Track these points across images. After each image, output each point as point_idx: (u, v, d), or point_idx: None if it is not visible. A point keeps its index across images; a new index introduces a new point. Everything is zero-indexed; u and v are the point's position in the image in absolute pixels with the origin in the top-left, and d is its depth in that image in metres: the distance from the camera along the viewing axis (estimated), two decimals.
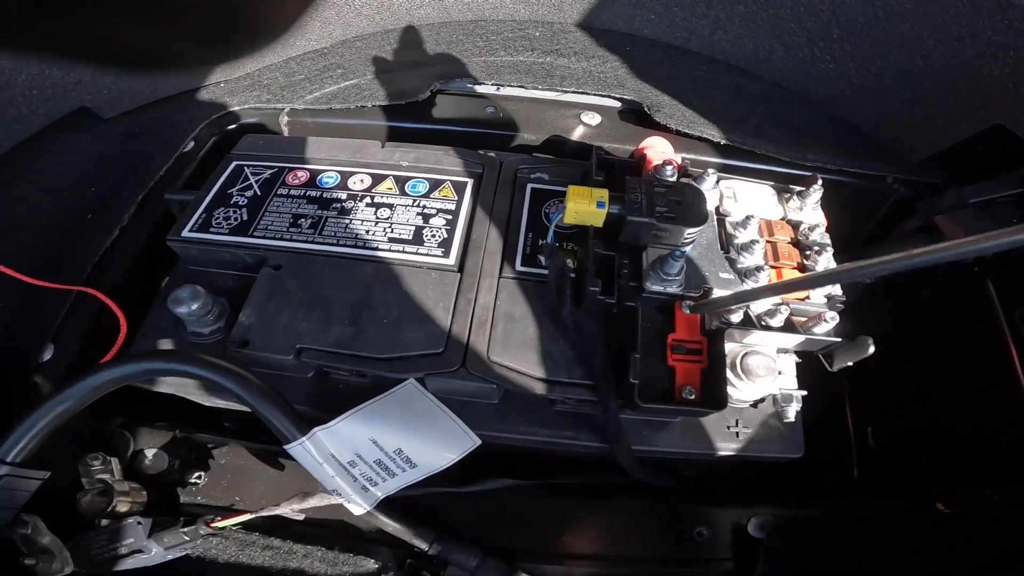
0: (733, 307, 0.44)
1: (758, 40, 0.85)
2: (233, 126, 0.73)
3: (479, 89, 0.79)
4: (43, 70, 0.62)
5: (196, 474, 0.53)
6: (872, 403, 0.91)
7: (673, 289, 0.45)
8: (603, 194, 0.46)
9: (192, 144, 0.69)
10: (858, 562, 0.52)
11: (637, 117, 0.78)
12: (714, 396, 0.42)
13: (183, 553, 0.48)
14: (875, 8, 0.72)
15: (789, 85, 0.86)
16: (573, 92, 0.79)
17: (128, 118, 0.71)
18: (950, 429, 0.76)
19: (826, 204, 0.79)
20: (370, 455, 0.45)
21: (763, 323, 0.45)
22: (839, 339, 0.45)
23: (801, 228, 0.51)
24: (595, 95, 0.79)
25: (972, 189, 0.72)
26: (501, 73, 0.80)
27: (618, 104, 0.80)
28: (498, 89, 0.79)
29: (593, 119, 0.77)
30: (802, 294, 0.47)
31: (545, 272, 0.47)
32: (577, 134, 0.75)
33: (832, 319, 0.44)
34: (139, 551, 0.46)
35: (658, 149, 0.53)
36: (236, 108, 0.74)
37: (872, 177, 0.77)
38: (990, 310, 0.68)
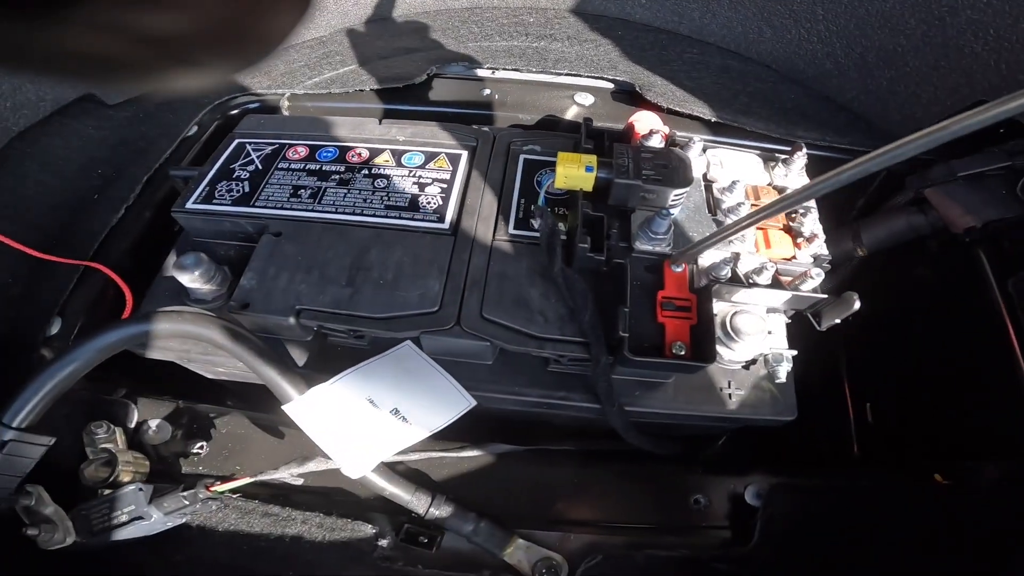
0: (721, 265, 0.45)
1: (746, 22, 0.87)
2: (235, 111, 0.75)
3: (475, 73, 0.81)
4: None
5: (198, 444, 0.54)
6: (870, 379, 0.92)
7: (662, 248, 0.47)
8: (592, 159, 0.48)
9: (195, 128, 0.71)
10: (854, 531, 0.52)
11: (629, 97, 0.80)
12: (703, 351, 0.43)
13: (183, 519, 0.49)
14: None
15: (778, 66, 0.87)
16: (567, 75, 0.81)
17: (132, 104, 0.73)
18: (947, 403, 0.77)
19: None
20: (366, 416, 0.46)
21: (751, 281, 0.46)
22: (825, 296, 0.46)
23: (787, 192, 0.52)
24: (588, 77, 0.81)
25: (960, 163, 0.73)
26: (496, 57, 0.82)
27: (611, 85, 0.82)
28: (493, 72, 0.81)
29: (586, 99, 0.79)
30: (788, 253, 0.48)
31: (537, 235, 0.49)
32: (571, 114, 0.77)
33: (818, 275, 0.46)
34: (140, 518, 0.47)
35: (645, 121, 0.55)
36: (238, 94, 0.76)
37: (861, 153, 0.78)
38: (982, 281, 0.69)
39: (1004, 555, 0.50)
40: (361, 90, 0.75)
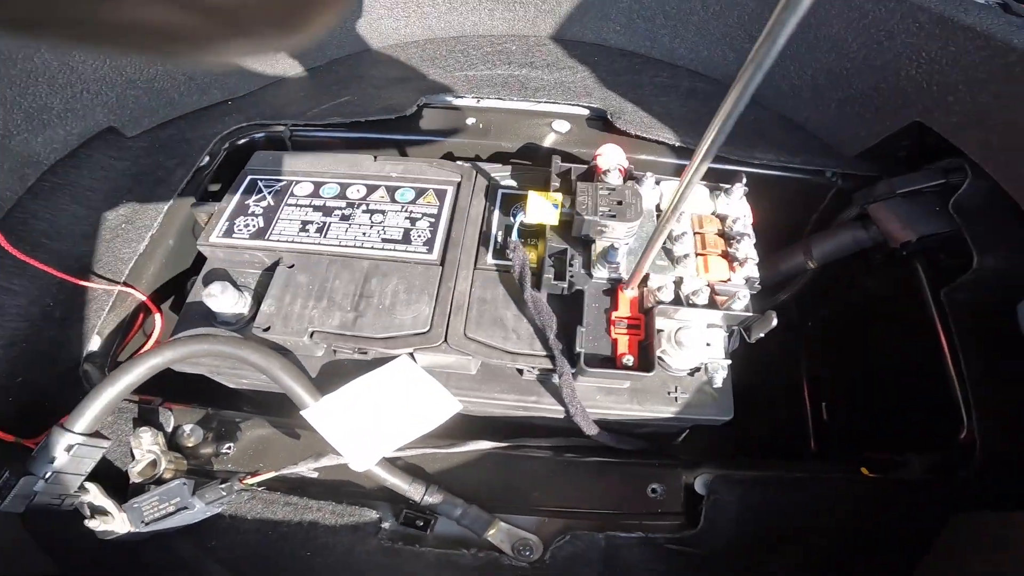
0: (665, 289, 0.54)
1: (711, 46, 0.95)
2: (242, 140, 0.84)
3: (461, 102, 0.89)
4: (75, 93, 0.72)
5: (226, 445, 0.62)
6: (826, 381, 1.02)
7: (617, 274, 0.56)
8: (557, 198, 0.57)
9: (207, 158, 0.79)
10: (788, 517, 0.59)
11: (602, 123, 0.88)
12: (647, 361, 0.52)
13: (220, 508, 0.57)
14: (807, 14, 0.82)
15: None
16: (545, 102, 0.89)
17: (148, 135, 0.81)
18: (886, 401, 0.86)
19: (775, 198, 0.89)
20: (370, 418, 0.55)
21: (690, 301, 0.55)
22: (751, 314, 0.55)
23: (727, 220, 0.61)
24: (565, 104, 0.89)
25: (899, 180, 0.82)
26: (480, 86, 0.90)
27: (586, 112, 0.90)
28: (478, 101, 0.89)
29: (563, 127, 0.87)
30: (724, 276, 0.57)
31: (510, 263, 0.58)
32: (549, 141, 0.85)
33: (744, 296, 0.55)
34: (185, 507, 0.54)
35: (608, 156, 0.63)
36: (243, 124, 0.84)
37: (813, 171, 0.87)
38: (919, 292, 0.77)
39: (924, 541, 0.57)
40: (357, 121, 0.83)
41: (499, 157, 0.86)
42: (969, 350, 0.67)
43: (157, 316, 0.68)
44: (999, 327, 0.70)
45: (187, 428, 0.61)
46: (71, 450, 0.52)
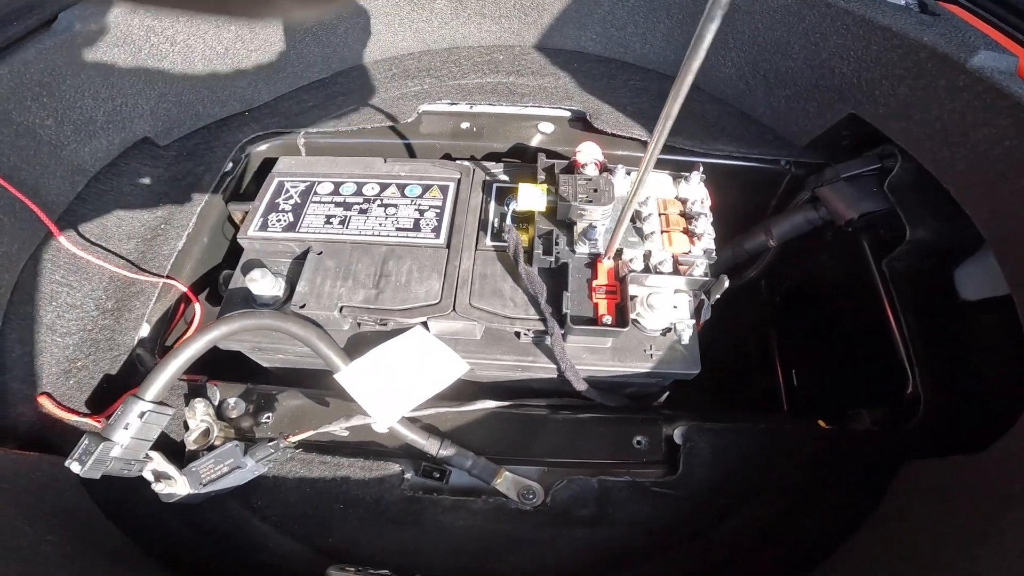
0: (636, 260, 0.66)
1: (678, 51, 1.07)
2: (261, 147, 0.94)
3: (456, 108, 1.00)
4: (116, 106, 0.82)
5: (265, 415, 0.70)
6: (794, 349, 1.14)
7: (595, 249, 0.67)
8: (544, 188, 0.68)
9: (231, 164, 0.90)
10: (755, 463, 0.68)
11: (583, 124, 1.00)
12: (623, 319, 0.64)
13: (270, 465, 0.65)
14: (755, 20, 0.92)
15: (705, 87, 1.08)
16: (532, 106, 1.00)
17: (177, 144, 0.91)
18: (845, 363, 0.97)
19: (738, 185, 1.01)
20: (391, 381, 0.65)
21: (657, 270, 0.67)
22: (708, 278, 0.67)
23: (687, 203, 0.73)
24: (549, 107, 1.01)
25: (843, 166, 0.93)
26: (472, 93, 1.01)
27: (568, 114, 1.02)
28: (471, 107, 1.00)
29: (548, 128, 0.99)
30: (685, 249, 0.69)
31: (506, 244, 0.69)
32: (535, 141, 0.97)
33: (702, 264, 0.66)
34: (238, 467, 0.62)
35: (586, 152, 0.75)
36: (261, 133, 0.94)
37: (770, 160, 0.99)
38: (865, 263, 0.89)
39: (878, 486, 0.64)
40: (364, 128, 0.94)
41: (492, 157, 0.97)
42: (909, 313, 0.77)
43: (196, 305, 0.78)
44: (935, 292, 0.82)
45: (231, 401, 0.70)
46: (143, 416, 0.60)
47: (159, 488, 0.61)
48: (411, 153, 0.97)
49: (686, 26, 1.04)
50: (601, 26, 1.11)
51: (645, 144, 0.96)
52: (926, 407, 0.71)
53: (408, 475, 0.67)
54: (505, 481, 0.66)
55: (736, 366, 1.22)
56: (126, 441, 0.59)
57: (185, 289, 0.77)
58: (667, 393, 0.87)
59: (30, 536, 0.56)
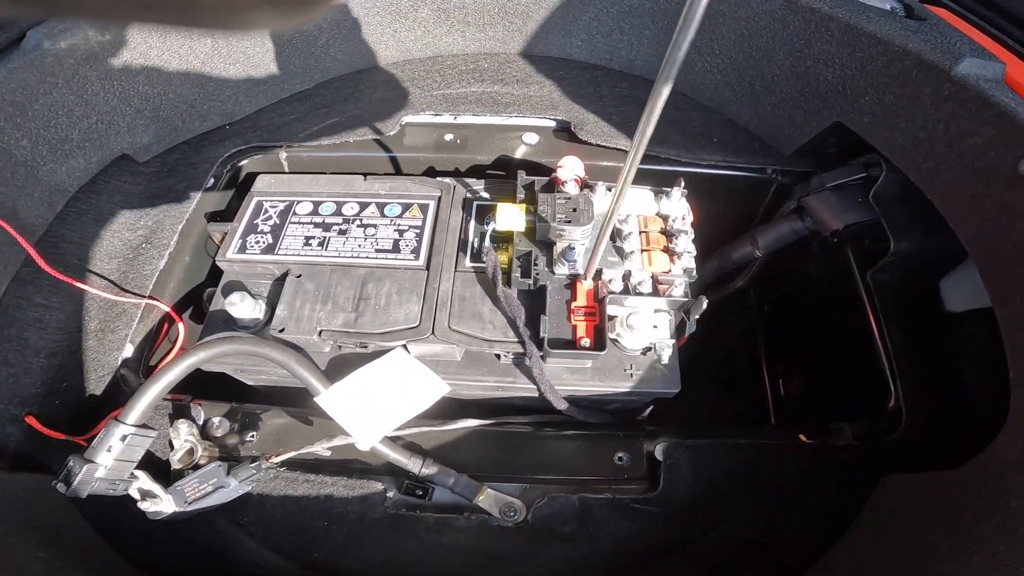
0: (616, 280, 0.67)
1: (662, 57, 1.06)
2: (242, 162, 0.94)
3: (439, 120, 1.00)
4: (91, 124, 0.82)
5: (250, 434, 0.71)
6: (782, 360, 1.14)
7: (574, 270, 0.68)
8: (523, 208, 0.68)
9: (212, 180, 0.90)
10: (736, 478, 0.68)
11: (568, 134, 1.00)
12: (601, 342, 0.65)
13: (252, 485, 0.66)
14: (740, 27, 0.91)
15: (691, 94, 1.07)
16: (516, 116, 1.00)
17: (157, 160, 0.91)
18: (830, 374, 0.98)
19: (725, 194, 1.01)
20: (372, 402, 0.66)
21: (636, 291, 0.67)
22: (688, 299, 0.67)
23: (669, 219, 0.73)
24: (533, 117, 1.00)
25: (829, 175, 0.93)
26: (456, 104, 1.01)
27: (552, 124, 1.01)
28: (455, 118, 1.00)
29: (532, 139, 0.98)
30: (665, 268, 0.69)
31: (485, 265, 0.70)
32: (520, 152, 0.97)
33: (681, 284, 0.67)
34: (222, 486, 0.63)
35: (568, 168, 0.75)
36: (243, 147, 0.94)
37: (756, 169, 0.98)
38: (851, 274, 0.89)
39: (857, 500, 0.65)
40: (347, 141, 0.94)
41: (476, 169, 0.97)
42: (892, 325, 0.78)
43: (180, 325, 0.78)
44: (919, 303, 0.82)
45: (215, 420, 0.72)
46: (125, 439, 0.61)
47: (145, 506, 0.62)
48: (395, 166, 0.97)
49: (672, 32, 1.02)
50: (587, 33, 1.10)
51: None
52: (907, 420, 0.72)
53: (391, 493, 0.68)
54: (487, 498, 0.67)
55: (724, 375, 1.23)
56: (109, 463, 0.61)
57: (168, 309, 0.78)
58: (651, 407, 0.88)
59: (21, 552, 0.57)
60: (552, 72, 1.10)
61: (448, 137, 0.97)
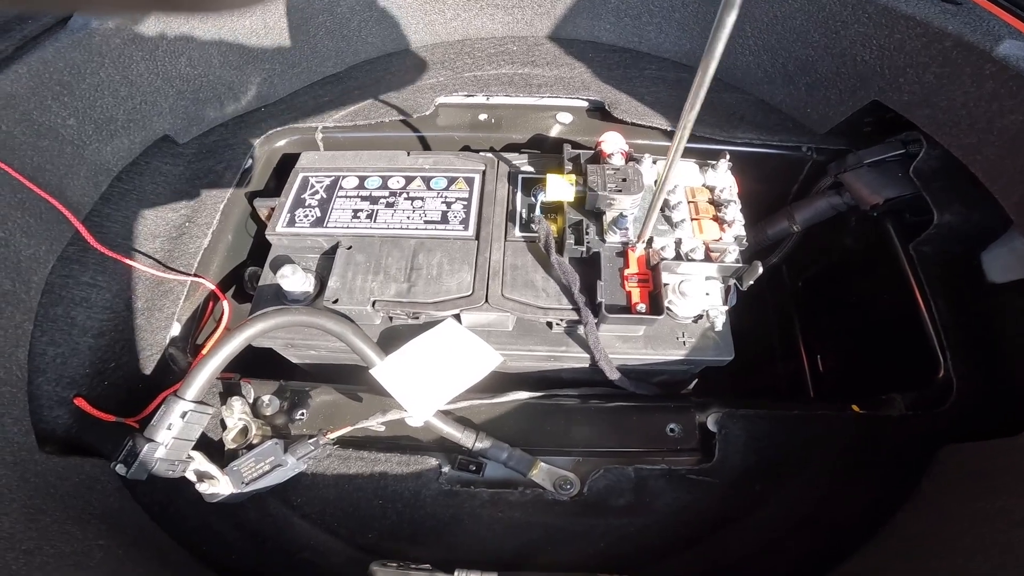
0: (668, 247, 0.67)
1: (693, 40, 1.08)
2: (280, 143, 0.95)
3: (472, 100, 1.01)
4: (136, 104, 0.83)
5: (299, 412, 0.72)
6: (818, 335, 1.15)
7: (626, 238, 0.68)
8: (572, 178, 0.69)
9: (250, 160, 0.91)
10: (789, 448, 0.68)
11: (600, 114, 1.01)
12: (657, 307, 0.65)
13: (310, 462, 0.66)
14: (773, 8, 0.93)
15: (722, 76, 1.08)
16: (549, 97, 1.01)
17: (196, 142, 0.93)
18: (873, 348, 0.99)
19: (756, 174, 1.02)
20: (426, 374, 0.66)
21: (688, 257, 0.68)
22: (741, 265, 0.68)
23: (715, 191, 0.74)
24: (566, 98, 1.02)
25: (866, 152, 0.95)
26: (489, 85, 1.02)
27: (585, 104, 1.02)
28: (488, 98, 1.01)
29: (566, 118, 1.00)
30: (716, 236, 0.70)
31: (536, 235, 0.70)
32: (554, 131, 0.98)
33: (734, 251, 0.67)
34: (279, 464, 0.63)
35: (611, 142, 0.76)
36: (279, 128, 0.95)
37: (791, 147, 0.99)
38: (892, 247, 0.90)
39: (913, 472, 0.66)
40: (382, 121, 0.95)
41: (511, 148, 0.98)
42: (938, 296, 0.79)
43: (224, 303, 0.79)
44: (962, 275, 0.83)
45: (265, 399, 0.72)
46: (185, 416, 0.60)
47: (202, 488, 0.62)
48: (429, 146, 0.98)
49: (701, 15, 1.05)
50: (615, 15, 1.12)
51: (666, 133, 0.97)
52: (958, 391, 0.72)
53: (445, 469, 0.68)
54: (540, 472, 0.67)
55: (759, 353, 1.23)
56: (169, 442, 0.60)
57: (213, 287, 0.78)
58: (695, 381, 0.88)
59: (81, 541, 0.57)
60: (581, 55, 1.12)
61: (482, 117, 0.99)
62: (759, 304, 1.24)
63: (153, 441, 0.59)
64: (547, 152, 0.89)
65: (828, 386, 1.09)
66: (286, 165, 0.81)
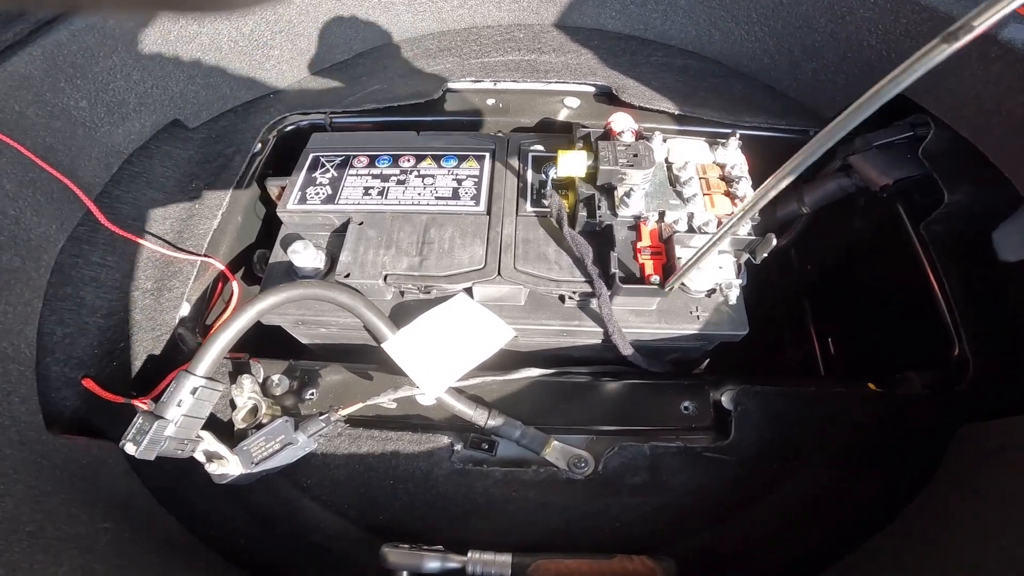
0: (680, 220, 0.67)
1: (699, 26, 1.09)
2: (288, 128, 0.96)
3: (480, 86, 1.02)
4: (147, 88, 0.84)
5: (309, 392, 0.71)
6: (829, 317, 1.14)
7: (637, 212, 0.68)
8: (583, 154, 0.69)
9: (259, 145, 0.91)
10: (806, 425, 0.68)
11: (608, 98, 1.01)
12: (670, 278, 0.65)
13: (320, 440, 0.65)
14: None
15: (727, 62, 1.09)
16: (556, 82, 1.02)
17: (206, 127, 0.93)
18: (885, 329, 0.98)
19: (763, 157, 1.02)
20: (438, 349, 0.66)
21: (701, 230, 0.68)
22: (754, 238, 0.68)
23: (726, 167, 0.74)
24: (574, 83, 1.02)
25: (874, 135, 0.95)
26: (496, 71, 1.03)
27: (592, 89, 1.03)
28: (495, 84, 1.02)
29: (573, 103, 1.00)
30: (728, 210, 0.70)
31: (547, 209, 0.70)
32: (562, 115, 0.98)
33: (747, 224, 0.67)
34: (290, 443, 0.62)
35: (621, 121, 0.76)
36: (288, 114, 0.96)
37: (797, 131, 1.00)
38: (902, 227, 0.90)
39: (933, 451, 0.65)
40: (390, 106, 0.95)
41: (519, 132, 0.98)
42: (951, 275, 0.78)
43: (234, 283, 0.79)
44: (973, 254, 0.83)
45: (275, 378, 0.71)
46: (195, 392, 0.60)
47: (211, 469, 0.61)
48: (439, 130, 0.98)
49: (707, 1, 1.06)
50: (620, 3, 1.13)
51: (673, 117, 0.97)
52: (975, 369, 0.72)
53: (458, 447, 0.67)
54: (554, 451, 0.66)
55: (768, 336, 1.23)
56: (179, 419, 0.59)
57: (223, 267, 0.78)
58: (707, 360, 0.88)
59: (87, 524, 0.56)
60: (587, 42, 1.13)
61: (490, 102, 0.99)
62: (767, 286, 1.24)
63: (163, 418, 0.58)
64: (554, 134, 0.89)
65: (839, 368, 1.08)
66: (295, 150, 0.81)
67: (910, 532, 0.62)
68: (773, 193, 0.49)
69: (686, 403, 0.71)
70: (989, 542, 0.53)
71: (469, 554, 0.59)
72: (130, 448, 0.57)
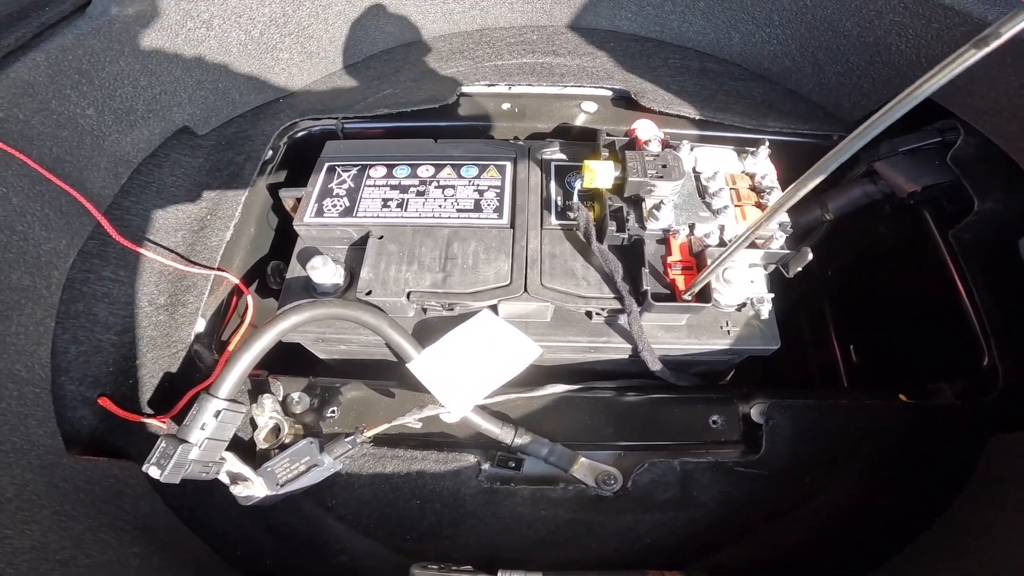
0: (711, 234, 0.66)
1: (718, 29, 1.07)
2: (299, 134, 0.94)
3: (494, 90, 1.00)
4: (155, 95, 0.82)
5: (330, 410, 0.70)
6: (851, 325, 1.14)
7: (666, 225, 0.67)
8: (610, 164, 0.68)
9: (270, 152, 0.89)
10: (837, 438, 0.68)
11: (626, 102, 1.00)
12: (704, 295, 0.64)
13: (347, 462, 0.64)
14: None
15: (748, 65, 1.08)
16: (572, 86, 1.00)
17: (215, 133, 0.91)
18: (911, 337, 0.97)
19: (787, 161, 1.01)
20: (463, 368, 0.64)
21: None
22: (788, 251, 0.67)
23: (756, 177, 0.73)
24: (590, 87, 1.00)
25: (901, 140, 0.94)
26: (510, 74, 1.01)
27: (610, 93, 1.01)
28: (510, 88, 1.00)
29: (591, 107, 0.98)
30: None
31: (573, 222, 0.69)
32: (580, 120, 0.97)
33: (780, 237, 0.66)
34: (315, 464, 0.61)
35: (645, 129, 0.75)
36: (298, 119, 0.94)
37: (821, 136, 0.99)
38: (929, 235, 0.89)
39: (965, 462, 0.65)
40: (403, 111, 0.93)
41: (536, 137, 0.97)
42: (980, 284, 0.77)
43: (248, 297, 0.78)
44: (1002, 262, 0.81)
45: (295, 396, 0.70)
46: (219, 415, 0.58)
47: (236, 491, 0.60)
48: (454, 135, 0.96)
49: (726, 3, 1.04)
50: (637, 4, 1.11)
51: (695, 122, 0.96)
52: (1005, 378, 0.71)
53: (484, 466, 0.66)
54: (582, 467, 0.66)
55: (789, 343, 1.22)
56: (203, 442, 0.58)
57: (237, 281, 0.77)
58: (732, 372, 0.87)
59: (117, 550, 0.55)
60: (602, 44, 1.11)
61: (505, 106, 0.97)
62: (788, 294, 1.23)
63: (186, 442, 0.57)
64: (573, 140, 0.88)
65: (863, 376, 1.08)
66: (307, 156, 0.79)
67: (942, 543, 0.62)
68: (798, 198, 0.48)
69: (715, 417, 0.71)
70: (1022, 552, 0.52)
71: (499, 573, 0.58)
72: (154, 472, 0.56)
